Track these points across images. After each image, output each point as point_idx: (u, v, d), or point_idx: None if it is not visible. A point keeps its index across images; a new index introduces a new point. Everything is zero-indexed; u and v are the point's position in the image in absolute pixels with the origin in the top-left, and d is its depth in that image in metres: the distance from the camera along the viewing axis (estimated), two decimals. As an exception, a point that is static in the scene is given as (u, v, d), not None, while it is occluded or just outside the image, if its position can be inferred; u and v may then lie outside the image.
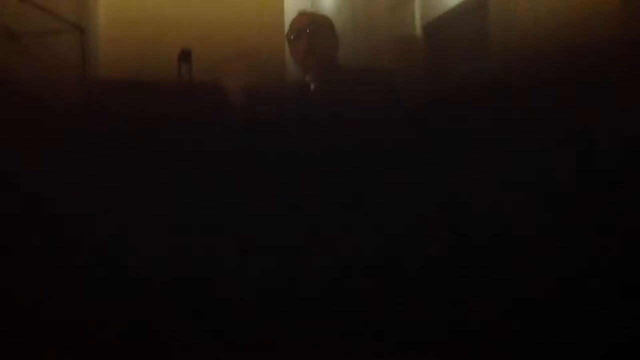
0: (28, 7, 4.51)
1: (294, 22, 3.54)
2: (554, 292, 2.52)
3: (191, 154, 2.93)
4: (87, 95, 4.38)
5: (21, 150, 3.19)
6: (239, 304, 2.61)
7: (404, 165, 2.73)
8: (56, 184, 2.97)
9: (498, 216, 2.61)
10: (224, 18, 4.76)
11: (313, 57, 3.40)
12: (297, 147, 2.85)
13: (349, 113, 2.94)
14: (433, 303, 2.57)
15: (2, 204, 2.83)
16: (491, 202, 2.62)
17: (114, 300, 2.63)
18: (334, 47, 3.47)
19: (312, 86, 3.39)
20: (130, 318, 2.61)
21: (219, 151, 2.93)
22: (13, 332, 2.58)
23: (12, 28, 4.51)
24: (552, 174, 2.63)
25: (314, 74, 3.39)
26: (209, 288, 2.66)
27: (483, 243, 2.59)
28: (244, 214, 2.75)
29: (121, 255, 2.72)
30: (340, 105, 3.07)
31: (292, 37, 3.48)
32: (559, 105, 2.83)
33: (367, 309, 2.59)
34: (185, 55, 3.78)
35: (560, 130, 2.71)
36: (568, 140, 2.66)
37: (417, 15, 4.90)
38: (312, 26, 3.44)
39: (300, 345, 2.56)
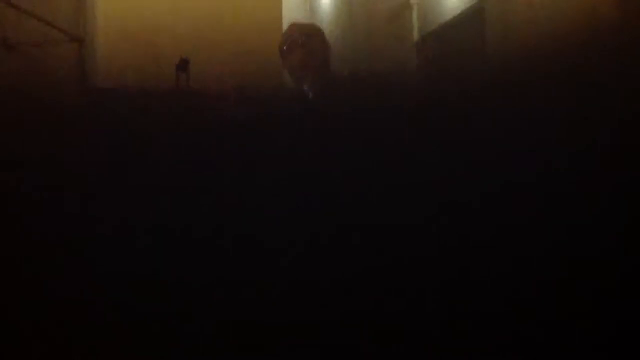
0: (27, 18, 4.52)
1: (285, 35, 3.53)
2: (553, 292, 2.53)
3: (190, 162, 2.93)
4: (86, 104, 4.39)
5: (21, 158, 3.19)
6: (238, 304, 2.62)
7: (403, 168, 2.73)
8: (55, 192, 2.97)
9: (497, 217, 2.62)
10: (222, 27, 4.77)
11: (308, 68, 3.40)
12: (298, 155, 2.86)
13: (349, 119, 2.95)
14: (433, 303, 2.57)
15: (2, 211, 2.83)
16: (490, 203, 2.63)
17: (111, 300, 2.63)
18: (327, 55, 3.46)
19: (310, 94, 3.40)
20: (130, 319, 2.61)
21: (217, 159, 2.93)
22: (14, 332, 2.59)
23: (11, 39, 4.52)
24: (551, 175, 2.63)
25: (309, 83, 3.40)
26: (206, 290, 2.66)
27: (482, 243, 2.59)
28: (244, 223, 2.75)
29: (121, 259, 2.72)
30: (340, 112, 3.08)
31: (284, 48, 3.48)
32: (557, 111, 2.84)
33: (364, 309, 2.59)
34: (183, 64, 3.78)
35: (560, 132, 2.72)
36: (568, 141, 2.67)
37: (415, 24, 4.92)
38: (303, 37, 3.44)
39: (299, 345, 2.56)
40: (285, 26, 4.35)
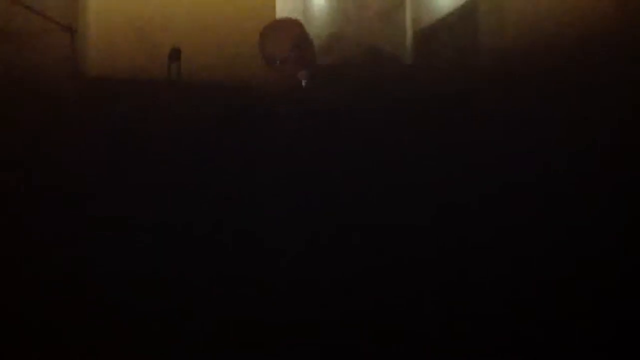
0: (18, 8, 4.49)
1: (266, 46, 3.33)
2: (553, 292, 2.53)
3: (183, 153, 2.93)
4: (78, 95, 4.38)
5: (14, 149, 3.18)
6: (238, 303, 2.62)
7: (401, 168, 2.73)
8: (49, 182, 2.97)
9: (497, 217, 2.62)
10: (215, 18, 4.75)
11: (299, 72, 3.33)
12: (292, 145, 2.85)
13: (344, 110, 2.94)
14: (432, 303, 2.57)
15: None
16: (488, 203, 2.63)
17: (112, 299, 2.63)
18: (312, 51, 3.38)
19: (303, 83, 3.36)
20: (130, 317, 2.61)
21: (211, 149, 2.93)
22: (15, 332, 2.58)
23: (2, 28, 4.50)
24: (550, 175, 2.64)
25: (302, 76, 3.36)
26: (206, 289, 2.66)
27: (482, 244, 2.60)
28: (239, 213, 2.74)
29: (118, 253, 2.72)
30: (334, 102, 3.07)
31: (269, 61, 3.33)
32: (552, 110, 2.84)
33: (364, 309, 2.60)
34: (174, 54, 3.75)
35: (558, 131, 2.72)
36: (566, 141, 2.67)
37: (409, 21, 4.90)
38: (289, 52, 3.31)
39: (299, 344, 2.56)
40: (278, 15, 4.30)
